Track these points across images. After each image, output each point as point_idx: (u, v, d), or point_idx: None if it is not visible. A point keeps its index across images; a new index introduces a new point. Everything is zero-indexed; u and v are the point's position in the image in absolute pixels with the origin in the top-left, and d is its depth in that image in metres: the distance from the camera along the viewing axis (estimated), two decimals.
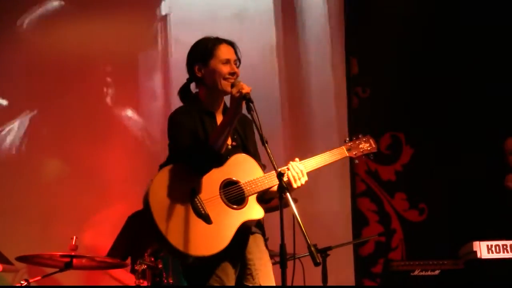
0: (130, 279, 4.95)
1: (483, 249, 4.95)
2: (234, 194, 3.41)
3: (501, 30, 6.39)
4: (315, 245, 3.03)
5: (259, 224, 3.55)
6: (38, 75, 6.15)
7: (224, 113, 3.55)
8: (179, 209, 3.31)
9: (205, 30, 3.70)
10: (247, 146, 3.59)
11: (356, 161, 3.89)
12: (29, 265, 5.34)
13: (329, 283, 4.69)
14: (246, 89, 3.31)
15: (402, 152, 6.56)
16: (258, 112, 3.24)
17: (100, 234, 5.77)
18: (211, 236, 3.31)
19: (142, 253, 4.58)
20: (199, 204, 3.33)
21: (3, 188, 5.93)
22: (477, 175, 6.16)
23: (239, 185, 3.43)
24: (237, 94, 3.31)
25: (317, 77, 6.43)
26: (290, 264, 3.11)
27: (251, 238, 3.51)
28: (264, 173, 3.49)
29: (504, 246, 4.98)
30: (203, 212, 3.33)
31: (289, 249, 3.08)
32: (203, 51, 3.56)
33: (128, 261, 4.79)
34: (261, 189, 3.44)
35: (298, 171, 3.48)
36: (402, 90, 6.46)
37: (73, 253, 4.56)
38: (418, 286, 5.05)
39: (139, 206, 3.41)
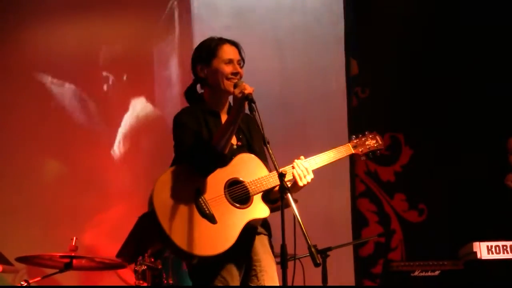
0: None
1: (483, 250, 4.96)
2: (238, 194, 3.40)
3: (501, 30, 6.39)
4: (315, 246, 3.02)
5: (265, 223, 3.53)
6: (37, 74, 6.15)
7: (229, 112, 3.53)
8: (184, 209, 3.29)
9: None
10: (252, 146, 3.57)
11: (362, 158, 3.79)
12: (29, 266, 5.33)
13: (329, 284, 4.70)
14: (248, 89, 3.30)
15: (402, 153, 6.55)
16: (260, 112, 3.23)
17: (100, 235, 5.76)
18: (216, 235, 3.30)
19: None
20: (203, 204, 3.32)
21: (3, 188, 5.92)
22: (477, 175, 6.17)
23: (244, 185, 3.41)
24: (239, 95, 3.30)
25: (317, 77, 6.42)
26: (290, 264, 3.10)
27: (257, 239, 3.49)
28: (269, 172, 3.48)
29: (504, 247, 4.98)
30: (207, 211, 3.31)
31: (289, 249, 3.08)
32: (206, 51, 3.55)
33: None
34: (266, 188, 3.42)
35: (303, 169, 3.47)
36: (402, 90, 6.46)
37: (73, 254, 4.55)
38: (418, 286, 5.05)
39: (139, 207, 3.40)
